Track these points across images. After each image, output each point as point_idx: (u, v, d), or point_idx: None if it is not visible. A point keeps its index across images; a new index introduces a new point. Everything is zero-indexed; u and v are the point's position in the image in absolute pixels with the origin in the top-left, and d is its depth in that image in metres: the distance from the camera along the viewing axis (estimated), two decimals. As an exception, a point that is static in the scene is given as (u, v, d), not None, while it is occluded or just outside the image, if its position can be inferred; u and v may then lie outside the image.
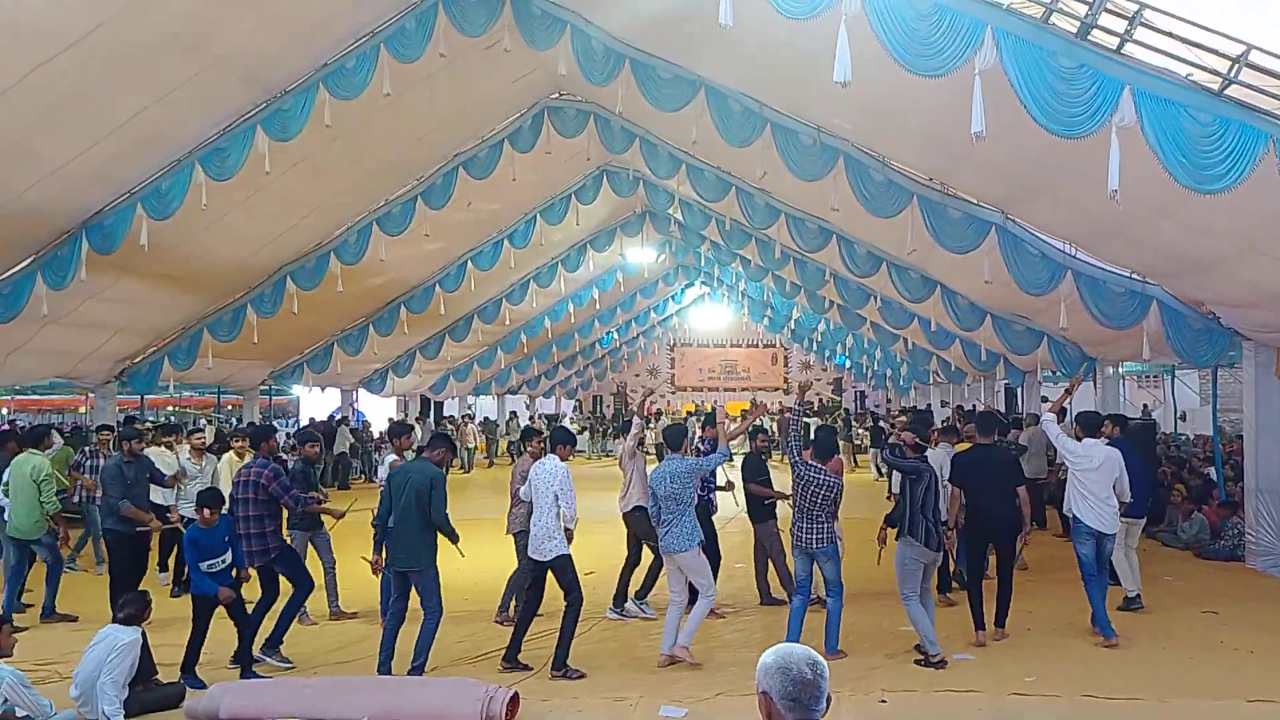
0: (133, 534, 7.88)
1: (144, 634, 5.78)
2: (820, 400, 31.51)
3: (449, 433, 19.56)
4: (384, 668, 6.27)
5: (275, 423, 22.57)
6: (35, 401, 26.45)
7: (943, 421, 12.79)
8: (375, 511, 6.54)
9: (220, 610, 6.48)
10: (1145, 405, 23.07)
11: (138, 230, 9.38)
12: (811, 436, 8.17)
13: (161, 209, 9.32)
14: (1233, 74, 5.00)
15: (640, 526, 7.77)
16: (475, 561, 7.91)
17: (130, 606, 5.80)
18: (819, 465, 6.91)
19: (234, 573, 6.64)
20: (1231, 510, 10.67)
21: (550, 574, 6.70)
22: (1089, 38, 5.23)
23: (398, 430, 8.26)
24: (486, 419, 28.11)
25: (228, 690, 5.67)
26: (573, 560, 6.70)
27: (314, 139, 9.38)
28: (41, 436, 8.85)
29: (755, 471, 8.53)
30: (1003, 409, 18.45)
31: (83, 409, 23.95)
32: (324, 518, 7.98)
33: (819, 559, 6.76)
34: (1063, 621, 7.65)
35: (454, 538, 6.40)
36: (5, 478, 8.46)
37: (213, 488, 6.50)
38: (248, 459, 8.42)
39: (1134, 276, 9.21)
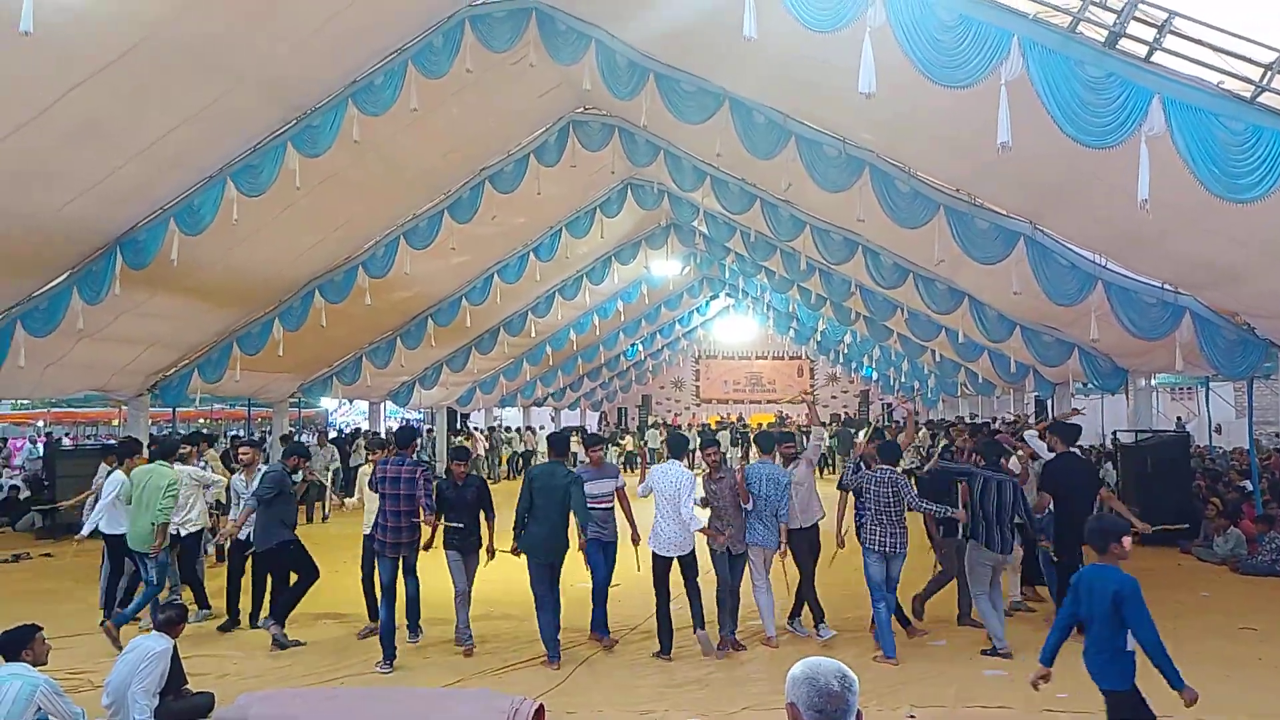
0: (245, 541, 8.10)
1: (175, 644, 5.84)
2: (846, 414, 31.39)
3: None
4: (553, 649, 7.04)
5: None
6: (69, 414, 26.89)
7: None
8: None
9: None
10: (1179, 418, 22.71)
11: (170, 246, 9.55)
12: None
13: (194, 225, 9.49)
14: (1265, 81, 4.94)
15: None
16: (501, 574, 7.93)
17: (168, 613, 5.88)
18: (889, 468, 7.21)
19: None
20: (1268, 524, 10.46)
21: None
22: (1117, 46, 5.19)
23: (591, 441, 8.52)
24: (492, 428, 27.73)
25: (255, 699, 5.71)
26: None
27: (343, 155, 9.52)
28: (174, 448, 8.52)
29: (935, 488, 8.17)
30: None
31: (116, 422, 24.32)
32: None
33: (894, 563, 7.09)
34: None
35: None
36: (122, 489, 8.13)
37: None
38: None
39: (1166, 287, 9.09)
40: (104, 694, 5.61)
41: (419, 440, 7.57)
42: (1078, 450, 8.30)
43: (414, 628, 7.57)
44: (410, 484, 7.13)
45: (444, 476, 7.68)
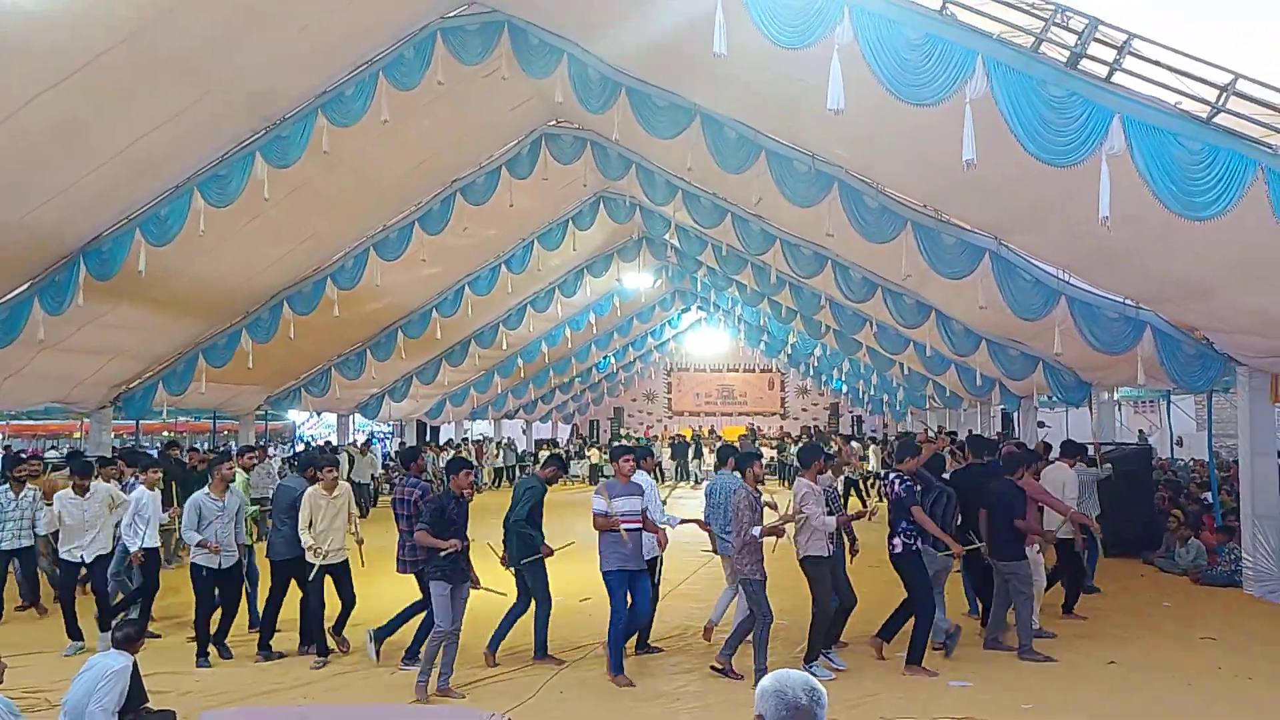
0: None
1: (135, 661, 5.73)
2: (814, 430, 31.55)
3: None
4: (494, 644, 7.29)
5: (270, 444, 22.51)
6: (30, 427, 26.37)
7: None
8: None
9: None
10: (1141, 430, 23.10)
11: (136, 256, 9.41)
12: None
13: (161, 235, 9.38)
14: (1221, 102, 5.07)
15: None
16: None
17: (126, 629, 5.76)
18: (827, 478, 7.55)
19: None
20: (1228, 535, 10.66)
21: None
22: (1079, 67, 5.30)
23: (617, 453, 7.82)
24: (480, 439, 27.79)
25: (219, 718, 5.62)
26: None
27: (312, 165, 9.45)
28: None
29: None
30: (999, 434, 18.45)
31: (77, 434, 23.87)
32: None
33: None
34: (1060, 647, 7.61)
35: (536, 539, 7.27)
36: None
37: None
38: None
39: (1127, 302, 9.26)
40: (61, 714, 5.48)
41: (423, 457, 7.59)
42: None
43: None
44: (405, 504, 7.23)
45: (446, 491, 6.91)
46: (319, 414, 23.23)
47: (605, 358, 28.12)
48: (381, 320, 16.66)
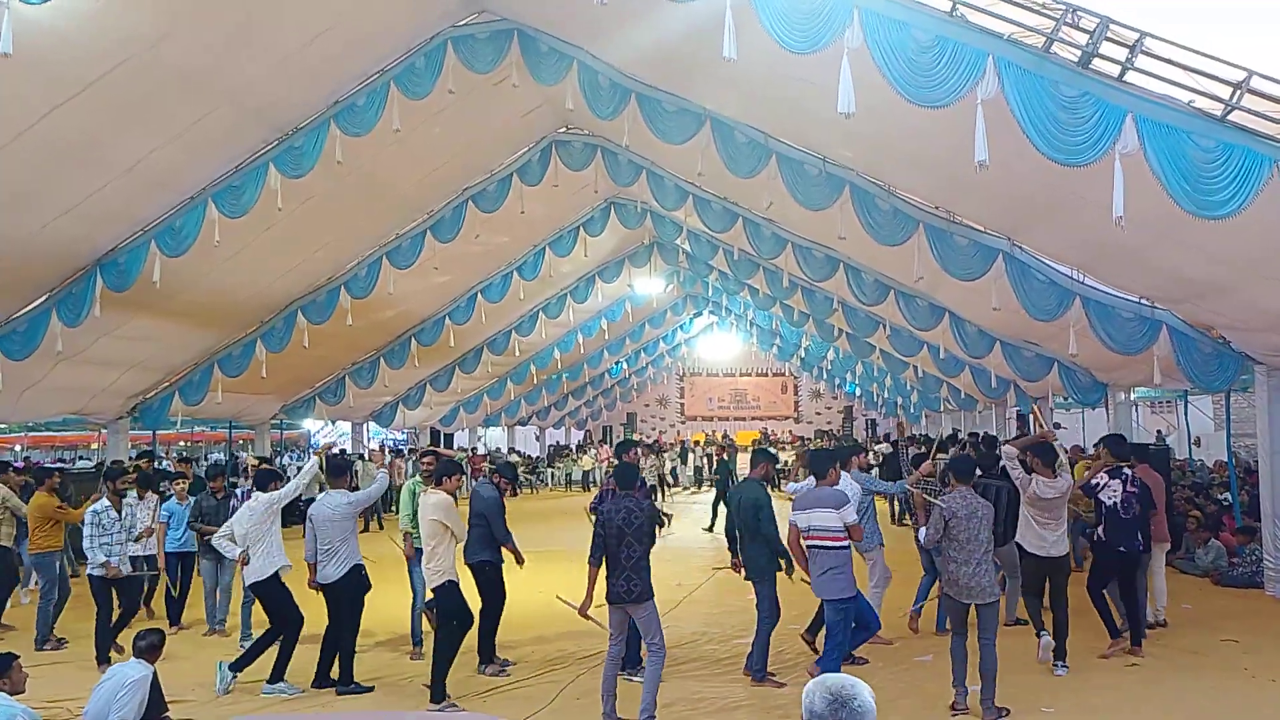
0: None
1: (155, 670, 5.76)
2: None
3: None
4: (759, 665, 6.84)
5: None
6: (47, 438, 26.63)
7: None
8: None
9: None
10: (1159, 431, 22.92)
11: (151, 267, 9.50)
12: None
13: (176, 246, 9.46)
14: (1235, 100, 5.03)
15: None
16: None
17: (149, 638, 5.80)
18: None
19: None
20: (1249, 536, 10.55)
21: None
22: (1090, 66, 5.28)
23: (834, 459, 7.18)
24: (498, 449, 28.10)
25: (238, 726, 5.64)
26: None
27: (325, 175, 9.51)
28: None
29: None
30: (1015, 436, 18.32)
31: (95, 445, 24.06)
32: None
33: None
34: (1080, 650, 7.54)
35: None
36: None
37: None
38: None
39: (1143, 301, 9.19)
40: (82, 722, 5.52)
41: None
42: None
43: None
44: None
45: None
46: (333, 422, 23.35)
47: (617, 363, 28.14)
48: (395, 328, 16.73)
